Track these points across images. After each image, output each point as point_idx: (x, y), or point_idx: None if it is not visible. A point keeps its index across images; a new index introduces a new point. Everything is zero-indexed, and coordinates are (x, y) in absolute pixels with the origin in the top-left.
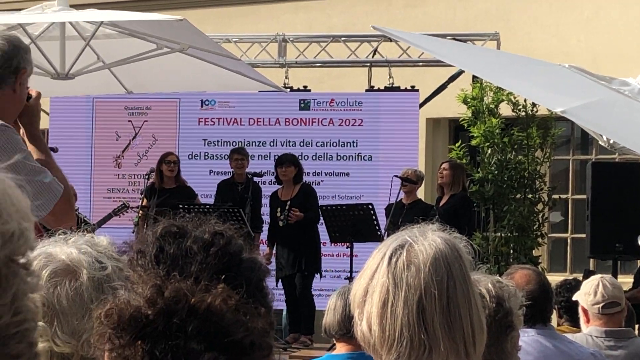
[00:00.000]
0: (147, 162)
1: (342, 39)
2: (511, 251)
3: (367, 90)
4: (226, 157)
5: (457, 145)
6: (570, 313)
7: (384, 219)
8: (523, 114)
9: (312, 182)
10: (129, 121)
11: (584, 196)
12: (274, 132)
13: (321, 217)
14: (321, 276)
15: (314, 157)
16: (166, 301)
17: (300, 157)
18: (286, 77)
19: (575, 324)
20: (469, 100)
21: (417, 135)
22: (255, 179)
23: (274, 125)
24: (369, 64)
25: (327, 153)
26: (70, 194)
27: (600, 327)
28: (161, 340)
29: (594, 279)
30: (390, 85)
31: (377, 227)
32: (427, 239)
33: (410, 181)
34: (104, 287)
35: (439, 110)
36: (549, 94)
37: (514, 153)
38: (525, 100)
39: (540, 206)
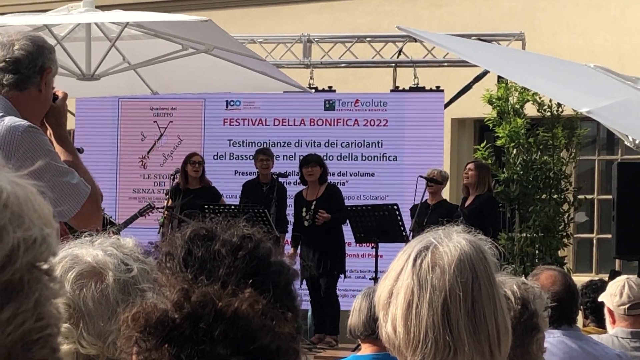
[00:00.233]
0: (173, 163)
1: (367, 39)
2: (537, 252)
3: (392, 91)
4: (251, 157)
5: (482, 145)
6: (596, 314)
7: (409, 219)
8: (548, 114)
9: (337, 182)
10: (155, 122)
11: (610, 196)
12: (299, 132)
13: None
14: (345, 277)
15: (339, 158)
16: (193, 305)
17: (325, 158)
18: (311, 78)
19: (601, 324)
20: (494, 100)
21: (442, 135)
22: (280, 179)
23: (298, 126)
24: (394, 65)
25: (352, 153)
26: (97, 196)
27: (626, 328)
28: (187, 344)
29: (620, 279)
30: (415, 86)
31: (402, 228)
32: (452, 241)
33: (435, 181)
34: (129, 289)
35: (464, 111)
36: (575, 94)
37: (539, 153)
38: (550, 101)
39: (565, 206)
